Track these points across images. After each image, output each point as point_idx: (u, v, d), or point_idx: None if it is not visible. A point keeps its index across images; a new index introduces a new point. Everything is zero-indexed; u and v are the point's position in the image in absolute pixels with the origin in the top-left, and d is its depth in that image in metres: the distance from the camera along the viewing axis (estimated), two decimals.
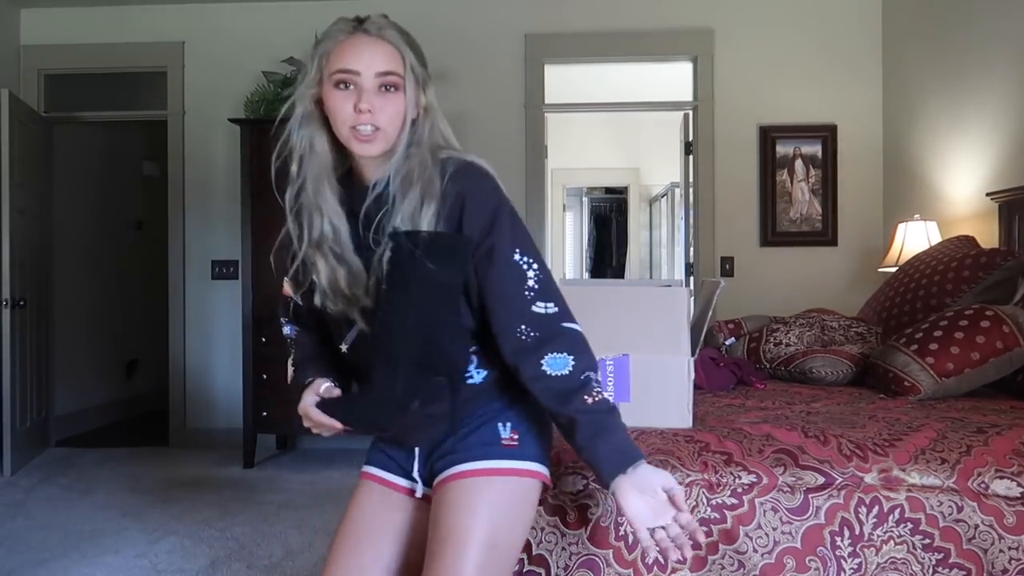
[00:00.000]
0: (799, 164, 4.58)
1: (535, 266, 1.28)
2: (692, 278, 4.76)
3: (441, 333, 1.27)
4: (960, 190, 3.73)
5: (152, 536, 3.10)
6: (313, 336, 1.48)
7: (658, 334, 1.75)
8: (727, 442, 1.64)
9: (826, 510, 1.54)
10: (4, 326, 4.06)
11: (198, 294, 4.77)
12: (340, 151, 1.36)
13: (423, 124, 1.32)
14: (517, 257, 1.27)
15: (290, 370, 1.47)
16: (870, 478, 1.55)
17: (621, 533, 1.53)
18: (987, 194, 3.37)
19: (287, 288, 1.46)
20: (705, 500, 1.55)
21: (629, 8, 4.58)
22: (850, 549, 1.52)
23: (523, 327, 1.27)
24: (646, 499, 1.25)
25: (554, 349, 1.26)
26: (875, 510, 1.54)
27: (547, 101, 4.68)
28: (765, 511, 1.54)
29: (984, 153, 3.54)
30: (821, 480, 1.55)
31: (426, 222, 1.24)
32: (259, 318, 4.18)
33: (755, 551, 1.52)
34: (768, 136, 4.55)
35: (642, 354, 1.75)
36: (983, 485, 1.54)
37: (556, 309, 1.28)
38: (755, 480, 1.55)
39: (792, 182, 4.58)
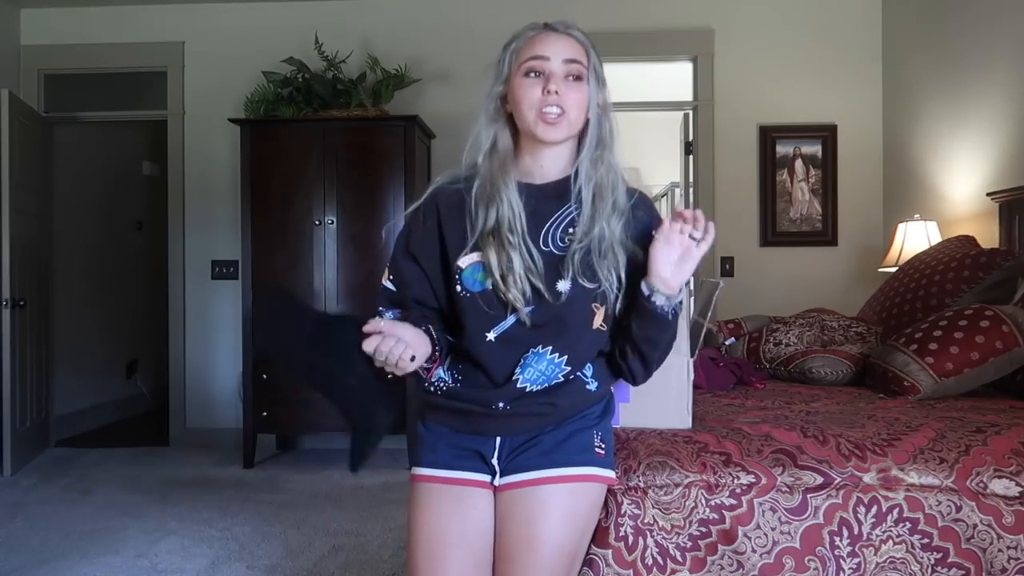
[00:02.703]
0: (799, 164, 4.57)
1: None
2: (692, 278, 4.75)
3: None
4: (960, 190, 3.73)
5: (152, 536, 3.10)
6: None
7: None
8: (726, 442, 1.64)
9: (825, 510, 1.54)
10: (4, 326, 4.06)
11: (198, 294, 4.77)
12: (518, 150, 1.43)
13: (604, 123, 1.40)
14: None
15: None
16: (869, 478, 1.55)
17: (621, 533, 1.53)
18: (987, 194, 3.37)
19: (384, 280, 1.47)
20: (704, 500, 1.55)
21: (629, 8, 4.58)
22: (849, 549, 1.53)
23: None
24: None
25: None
26: (874, 510, 1.54)
27: None
28: (764, 511, 1.54)
29: (984, 153, 3.54)
30: (820, 480, 1.55)
31: (618, 231, 1.36)
32: (259, 318, 4.17)
33: (754, 551, 1.52)
34: (768, 136, 4.55)
35: None
36: (982, 485, 1.54)
37: None
38: (754, 480, 1.56)
39: (792, 182, 4.58)
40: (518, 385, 1.36)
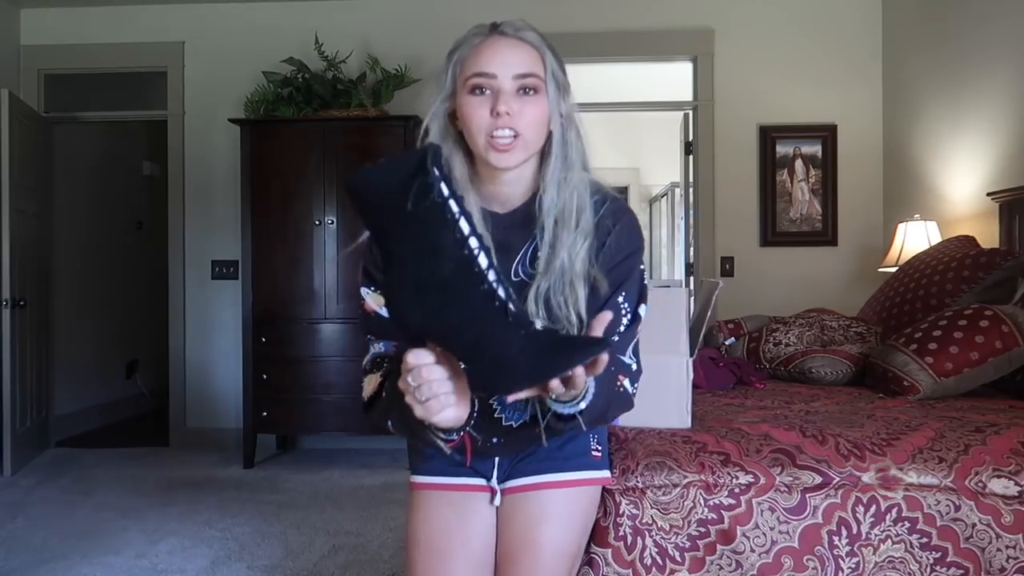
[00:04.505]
0: (799, 164, 4.57)
1: (631, 317, 1.27)
2: (692, 278, 4.76)
3: None
4: (960, 190, 3.73)
5: (152, 536, 3.10)
6: None
7: (657, 334, 1.75)
8: (725, 442, 1.64)
9: (824, 509, 1.54)
10: (4, 326, 4.06)
11: (198, 294, 4.77)
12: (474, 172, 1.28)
13: (569, 136, 1.26)
14: (621, 299, 1.26)
15: (373, 383, 1.24)
16: (868, 477, 1.55)
17: (621, 533, 1.53)
18: (987, 194, 3.37)
19: (371, 303, 1.25)
20: (702, 500, 1.55)
21: (629, 8, 4.58)
22: (848, 548, 1.53)
23: None
24: None
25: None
26: (873, 509, 1.54)
27: None
28: (762, 511, 1.54)
29: (984, 153, 3.54)
30: (819, 480, 1.55)
31: (580, 261, 1.21)
32: (259, 318, 4.18)
33: (752, 551, 1.52)
34: (768, 136, 4.55)
35: (641, 354, 1.74)
36: (981, 484, 1.54)
37: (634, 366, 1.29)
38: (752, 480, 1.56)
39: (792, 182, 4.58)
40: (504, 423, 1.30)
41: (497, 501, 1.38)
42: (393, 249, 0.96)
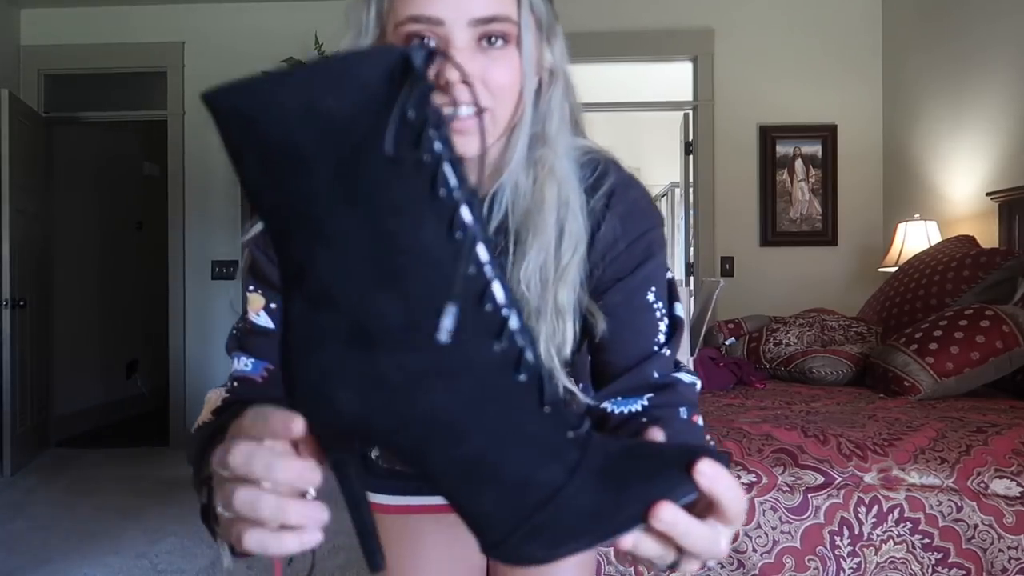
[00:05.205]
0: (799, 164, 4.57)
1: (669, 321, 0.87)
2: (692, 278, 4.76)
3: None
4: (960, 190, 3.73)
5: (152, 536, 3.10)
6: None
7: None
8: (726, 442, 1.64)
9: (825, 509, 1.54)
10: (4, 326, 4.06)
11: (198, 294, 4.77)
12: None
13: (549, 100, 0.86)
14: (651, 299, 0.86)
15: (213, 403, 0.87)
16: (869, 478, 1.55)
17: None
18: (987, 194, 3.37)
19: (252, 307, 0.89)
20: None
21: (629, 8, 4.58)
22: (849, 548, 1.52)
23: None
24: None
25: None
26: (874, 509, 1.54)
27: None
28: (764, 511, 1.54)
29: (984, 153, 3.54)
30: (820, 480, 1.55)
31: (561, 285, 0.82)
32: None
33: (754, 551, 1.52)
34: (768, 136, 4.55)
35: None
36: (982, 485, 1.54)
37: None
38: (754, 480, 1.55)
39: (792, 182, 4.57)
40: None
41: None
42: (312, 238, 0.48)
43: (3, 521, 3.32)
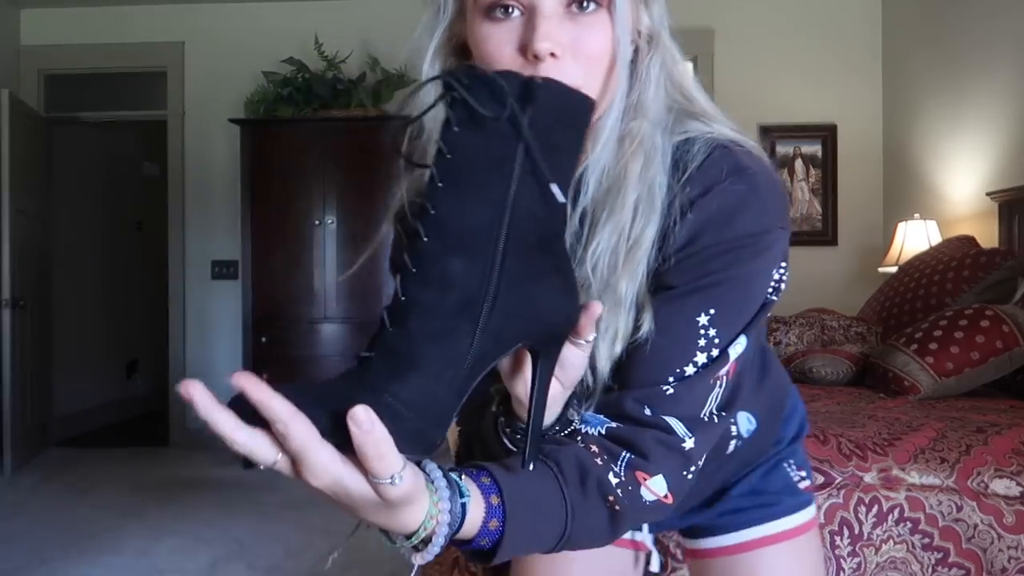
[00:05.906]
0: (799, 164, 4.57)
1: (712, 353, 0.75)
2: None
3: None
4: (960, 190, 3.73)
5: (152, 536, 3.10)
6: None
7: None
8: None
9: (825, 509, 1.54)
10: (4, 326, 4.06)
11: (198, 294, 4.77)
12: None
13: (646, 69, 0.81)
14: (705, 320, 0.75)
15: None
16: (869, 477, 1.55)
17: None
18: (987, 194, 3.37)
19: None
20: None
21: None
22: (849, 548, 1.52)
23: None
24: None
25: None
26: (874, 509, 1.53)
27: None
28: None
29: (984, 153, 3.54)
30: (820, 479, 1.55)
31: (627, 275, 0.74)
32: (259, 318, 4.18)
33: None
34: (768, 136, 4.55)
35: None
36: (982, 484, 1.54)
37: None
38: None
39: (792, 182, 4.58)
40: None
41: (654, 566, 0.97)
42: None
43: (3, 520, 3.32)
